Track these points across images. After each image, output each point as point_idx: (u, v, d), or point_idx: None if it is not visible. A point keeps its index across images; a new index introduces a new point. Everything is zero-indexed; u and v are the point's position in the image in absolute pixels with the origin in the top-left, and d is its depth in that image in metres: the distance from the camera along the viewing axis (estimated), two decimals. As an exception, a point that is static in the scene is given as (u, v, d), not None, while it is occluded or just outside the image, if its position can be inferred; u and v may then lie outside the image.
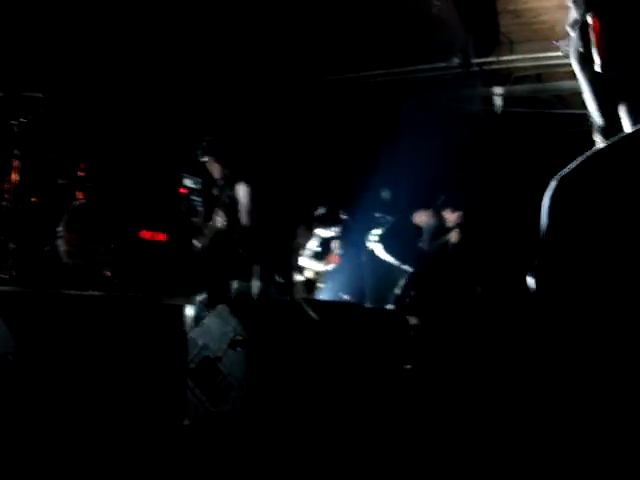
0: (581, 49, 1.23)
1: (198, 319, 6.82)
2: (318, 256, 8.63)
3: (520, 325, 7.18)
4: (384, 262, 7.83)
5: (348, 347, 5.33)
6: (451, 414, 4.53)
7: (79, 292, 5.07)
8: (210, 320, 4.12)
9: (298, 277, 8.44)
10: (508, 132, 10.80)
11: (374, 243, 7.73)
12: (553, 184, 1.11)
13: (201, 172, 8.15)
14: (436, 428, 4.08)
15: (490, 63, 8.59)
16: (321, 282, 8.60)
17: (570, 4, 1.22)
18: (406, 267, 7.55)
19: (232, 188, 6.01)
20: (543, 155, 9.71)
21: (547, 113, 10.15)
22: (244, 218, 6.00)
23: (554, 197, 1.10)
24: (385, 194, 10.72)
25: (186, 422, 3.44)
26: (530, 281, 1.07)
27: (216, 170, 6.08)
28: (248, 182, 5.95)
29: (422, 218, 7.63)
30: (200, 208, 7.93)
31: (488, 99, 8.82)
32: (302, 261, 8.55)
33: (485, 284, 8.71)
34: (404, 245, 7.53)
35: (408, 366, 6.70)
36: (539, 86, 9.22)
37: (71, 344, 2.82)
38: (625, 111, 1.17)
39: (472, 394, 5.23)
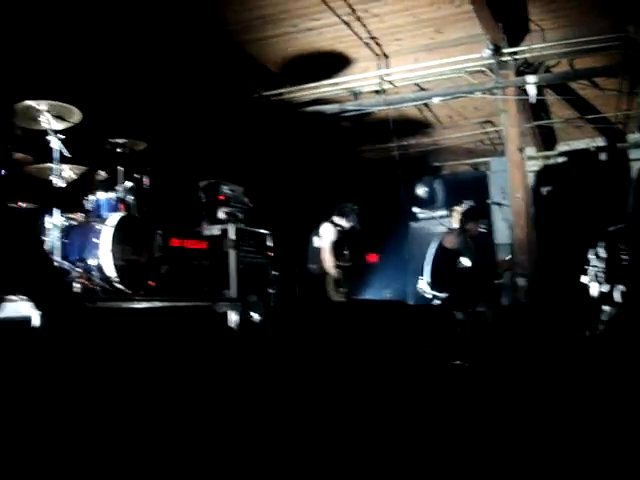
0: None
1: (244, 321, 6.87)
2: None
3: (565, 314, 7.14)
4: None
5: (397, 345, 5.30)
6: (504, 409, 4.47)
7: (130, 305, 5.09)
8: (263, 323, 4.11)
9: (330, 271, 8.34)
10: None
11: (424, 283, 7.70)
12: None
13: (241, 180, 8.24)
14: (489, 423, 4.01)
15: (522, 52, 8.50)
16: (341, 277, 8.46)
17: None
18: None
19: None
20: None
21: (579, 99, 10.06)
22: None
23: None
24: (421, 191, 10.71)
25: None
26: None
27: None
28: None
29: (453, 241, 7.65)
30: (240, 214, 7.98)
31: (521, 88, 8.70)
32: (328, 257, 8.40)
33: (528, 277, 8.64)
34: (450, 275, 7.52)
35: (457, 362, 6.65)
36: (572, 72, 9.11)
37: (132, 355, 2.81)
38: None
39: (525, 390, 5.16)
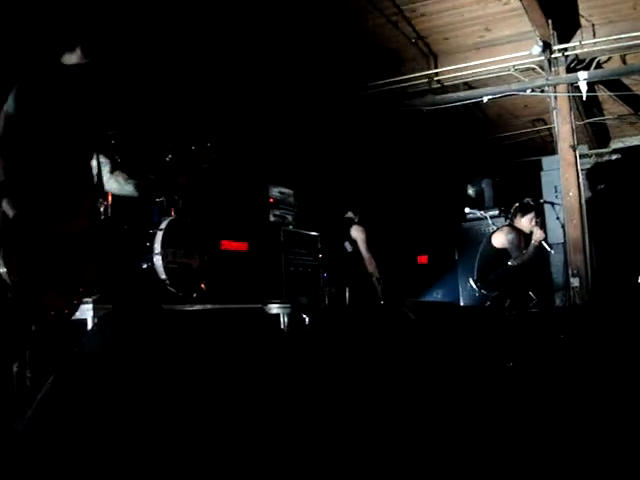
0: None
1: (294, 323, 6.89)
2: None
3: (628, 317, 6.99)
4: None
5: (447, 347, 5.25)
6: (558, 414, 4.39)
7: (181, 306, 5.15)
8: (311, 327, 4.11)
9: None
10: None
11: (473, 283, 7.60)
12: None
13: (290, 182, 8.25)
14: (544, 428, 3.95)
15: (573, 48, 8.38)
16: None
17: None
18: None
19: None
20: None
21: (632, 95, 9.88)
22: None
23: None
24: (471, 190, 10.62)
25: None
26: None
27: None
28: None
29: (501, 239, 7.49)
30: (290, 217, 8.01)
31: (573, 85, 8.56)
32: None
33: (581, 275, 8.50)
34: (499, 274, 7.40)
35: (510, 364, 6.57)
36: (625, 68, 8.95)
37: (184, 358, 2.83)
38: None
39: (578, 392, 5.08)
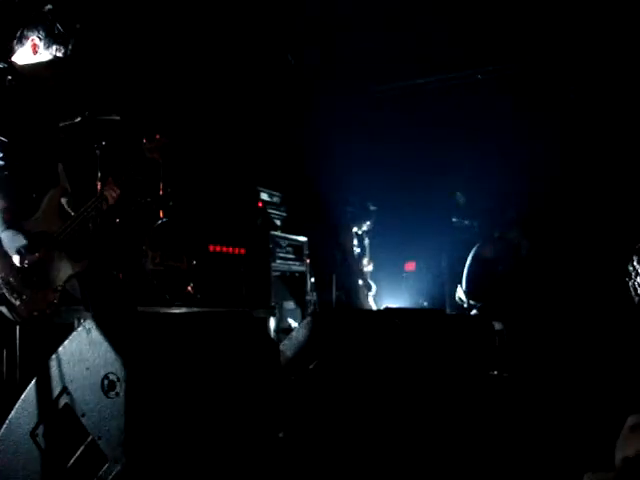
0: None
1: (282, 329, 6.90)
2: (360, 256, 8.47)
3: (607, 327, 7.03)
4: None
5: (432, 354, 5.26)
6: (542, 423, 4.43)
7: (168, 309, 5.17)
8: (298, 332, 4.11)
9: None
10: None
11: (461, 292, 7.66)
12: None
13: (279, 186, 8.23)
14: (527, 438, 3.98)
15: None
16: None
17: None
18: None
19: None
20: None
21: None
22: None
23: None
24: (459, 198, 10.60)
25: (281, 435, 3.43)
26: None
27: None
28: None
29: (490, 250, 7.59)
30: (278, 221, 8.01)
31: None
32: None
33: (562, 286, 8.54)
34: (487, 285, 7.46)
35: (494, 372, 6.60)
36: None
37: (170, 361, 2.85)
38: None
39: (562, 400, 5.10)
